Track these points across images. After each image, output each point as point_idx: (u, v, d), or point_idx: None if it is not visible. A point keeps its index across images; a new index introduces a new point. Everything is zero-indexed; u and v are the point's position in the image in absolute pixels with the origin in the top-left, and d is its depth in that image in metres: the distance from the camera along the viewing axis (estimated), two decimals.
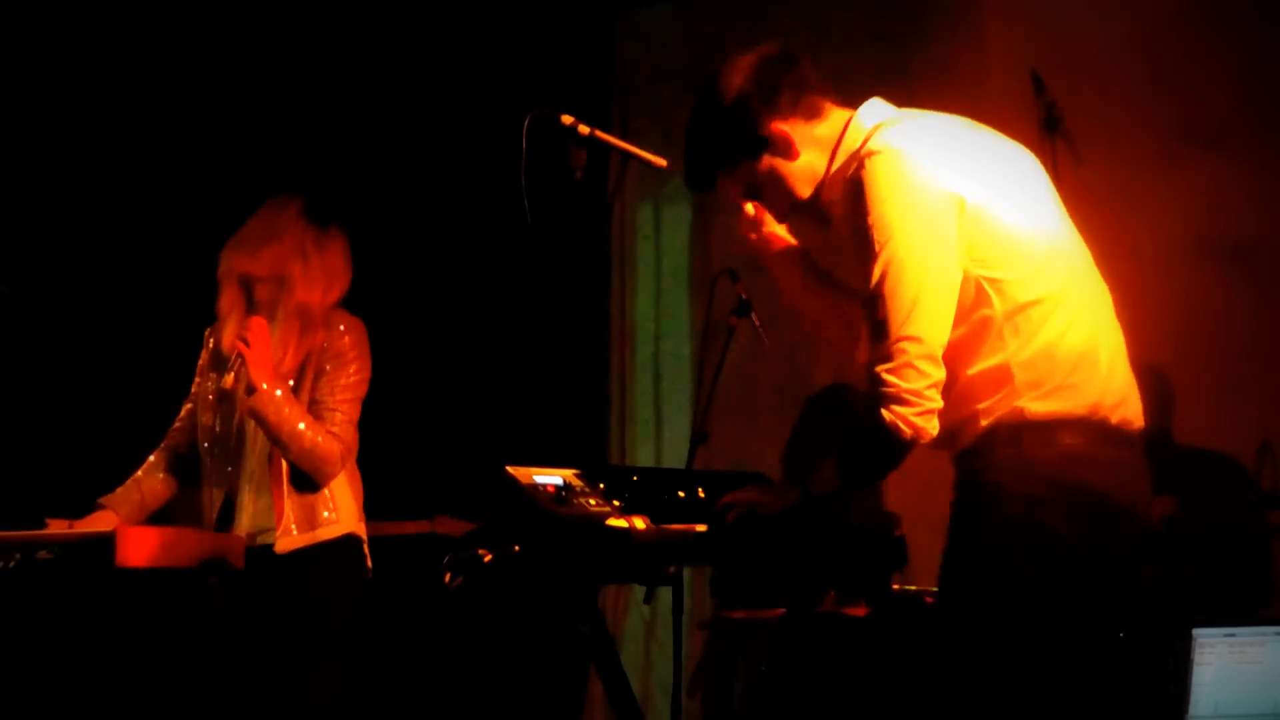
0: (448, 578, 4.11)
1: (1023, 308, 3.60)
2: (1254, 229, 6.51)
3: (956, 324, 3.59)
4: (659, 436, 8.46)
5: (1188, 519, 5.97)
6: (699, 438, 6.71)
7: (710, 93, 3.88)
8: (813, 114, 3.84)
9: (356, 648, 5.13)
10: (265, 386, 5.02)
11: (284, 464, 5.09)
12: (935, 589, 3.88)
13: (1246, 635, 5.23)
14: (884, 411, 3.54)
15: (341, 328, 5.18)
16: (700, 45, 8.30)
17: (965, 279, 3.58)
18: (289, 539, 5.07)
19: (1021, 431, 3.59)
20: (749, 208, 4.02)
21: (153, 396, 5.67)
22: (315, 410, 5.09)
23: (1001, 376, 3.61)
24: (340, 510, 5.14)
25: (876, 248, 3.56)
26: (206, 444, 5.25)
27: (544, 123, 4.44)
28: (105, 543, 4.66)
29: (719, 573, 7.09)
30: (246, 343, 5.05)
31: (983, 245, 3.58)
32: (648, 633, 8.14)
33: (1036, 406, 3.59)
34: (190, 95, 7.88)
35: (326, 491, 5.12)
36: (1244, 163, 6.50)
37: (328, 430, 5.06)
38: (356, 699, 5.19)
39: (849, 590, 5.71)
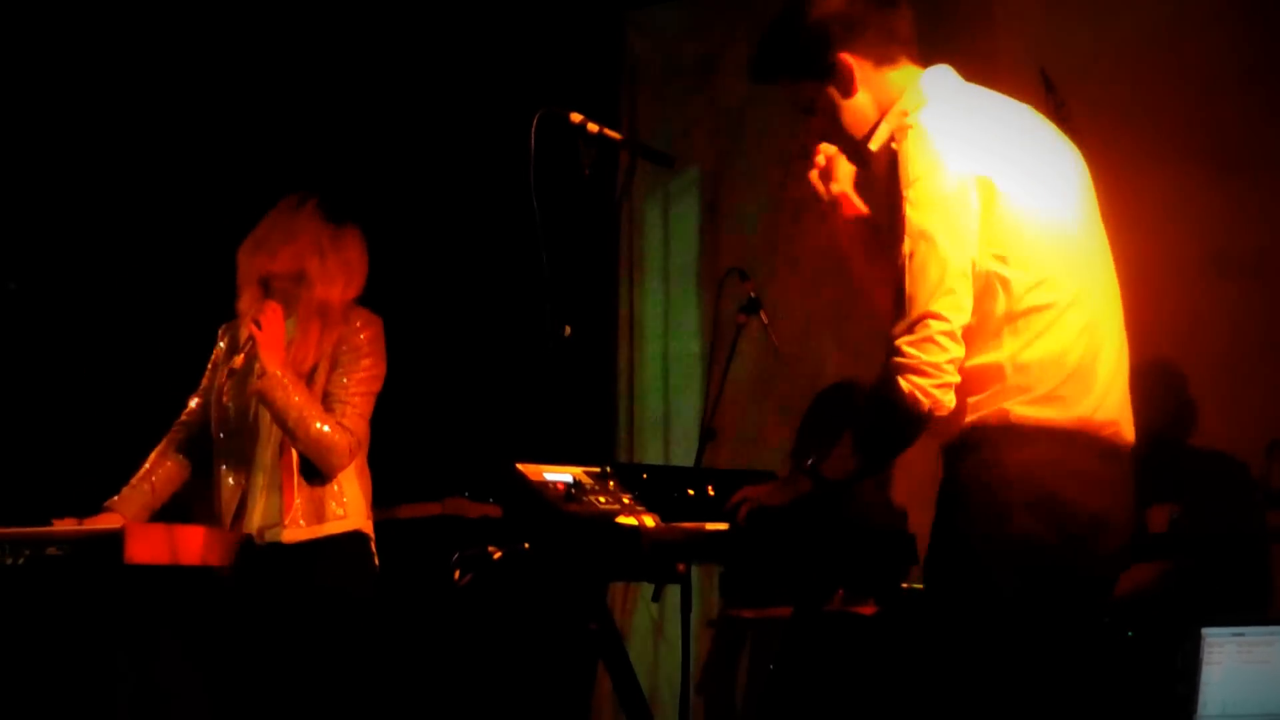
0: (457, 575, 4.12)
1: (1026, 312, 3.59)
2: (1262, 229, 6.50)
3: None
4: (668, 434, 8.47)
5: (1196, 520, 5.97)
6: (708, 435, 6.71)
7: (801, 1, 3.87)
8: (884, 60, 3.83)
9: (365, 644, 5.13)
10: (275, 371, 5.03)
11: (295, 455, 5.09)
12: None
13: (1255, 635, 5.23)
14: (902, 381, 3.54)
15: (359, 324, 5.19)
16: (709, 43, 8.31)
17: (976, 271, 3.58)
18: (296, 530, 5.08)
19: (1003, 434, 3.59)
20: (821, 158, 4.00)
21: (163, 394, 5.67)
22: (327, 403, 5.09)
23: (993, 375, 3.60)
24: (349, 505, 5.14)
25: (907, 223, 3.57)
26: (221, 435, 5.25)
27: (553, 120, 4.44)
28: (114, 539, 4.66)
29: (728, 571, 7.09)
30: (259, 325, 5.06)
31: (1000, 237, 3.58)
32: (656, 631, 8.14)
33: (1022, 410, 3.59)
34: (203, 94, 7.89)
35: (336, 486, 5.12)
36: (1253, 163, 6.50)
37: (337, 421, 5.06)
38: (364, 694, 5.18)
39: (858, 588, 5.71)
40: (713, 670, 7.15)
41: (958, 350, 3.56)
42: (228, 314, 5.38)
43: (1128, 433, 3.72)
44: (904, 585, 5.59)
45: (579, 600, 4.41)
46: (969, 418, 3.62)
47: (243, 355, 5.16)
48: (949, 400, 3.57)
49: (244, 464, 5.18)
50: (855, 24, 3.82)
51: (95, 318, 7.58)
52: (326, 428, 5.03)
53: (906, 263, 3.58)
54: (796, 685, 5.72)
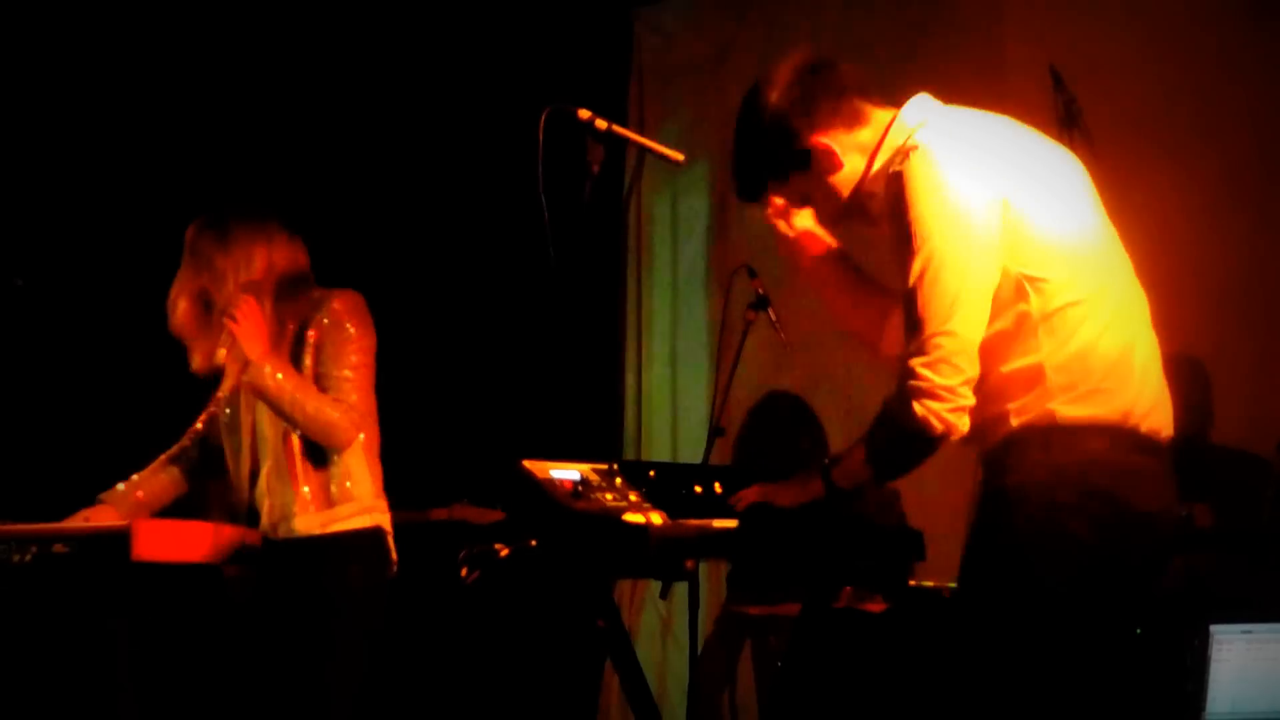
0: (464, 572, 4.11)
1: (1060, 309, 3.58)
2: (1276, 225, 6.50)
3: (993, 318, 3.58)
4: (675, 431, 8.47)
5: (1207, 517, 5.96)
6: (716, 432, 6.70)
7: (749, 110, 3.86)
8: (854, 121, 3.82)
9: (377, 641, 5.12)
10: (258, 359, 5.02)
11: (297, 442, 5.08)
12: (951, 584, 3.87)
13: (1264, 632, 5.23)
14: (916, 405, 3.53)
15: (336, 304, 5.15)
16: (717, 40, 8.31)
17: (1005, 275, 3.57)
18: (308, 518, 5.06)
19: (1050, 435, 3.58)
20: (777, 200, 4.00)
21: (171, 391, 5.67)
22: (320, 384, 5.07)
23: (1034, 377, 3.59)
24: (356, 489, 5.11)
25: (916, 244, 3.56)
26: (226, 439, 5.25)
27: (561, 117, 4.43)
28: (120, 536, 4.66)
29: (737, 568, 7.09)
30: (235, 319, 5.05)
31: (1023, 246, 3.57)
32: (664, 627, 8.14)
33: (1068, 410, 3.58)
34: (217, 92, 7.89)
35: (341, 471, 5.10)
36: (1266, 159, 6.49)
37: (333, 398, 5.04)
38: (374, 691, 5.18)
39: (866, 585, 5.70)
40: (719, 667, 7.14)
41: (972, 370, 3.55)
42: None
43: (1167, 425, 3.71)
44: (911, 583, 5.59)
45: (586, 598, 4.40)
46: (1015, 420, 3.61)
47: (224, 351, 5.15)
48: (963, 425, 3.56)
49: (252, 461, 5.17)
50: (807, 101, 3.80)
51: (102, 313, 7.58)
52: (323, 403, 5.01)
53: (918, 282, 3.57)
54: (804, 682, 5.71)
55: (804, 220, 4.04)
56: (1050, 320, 3.59)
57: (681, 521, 3.96)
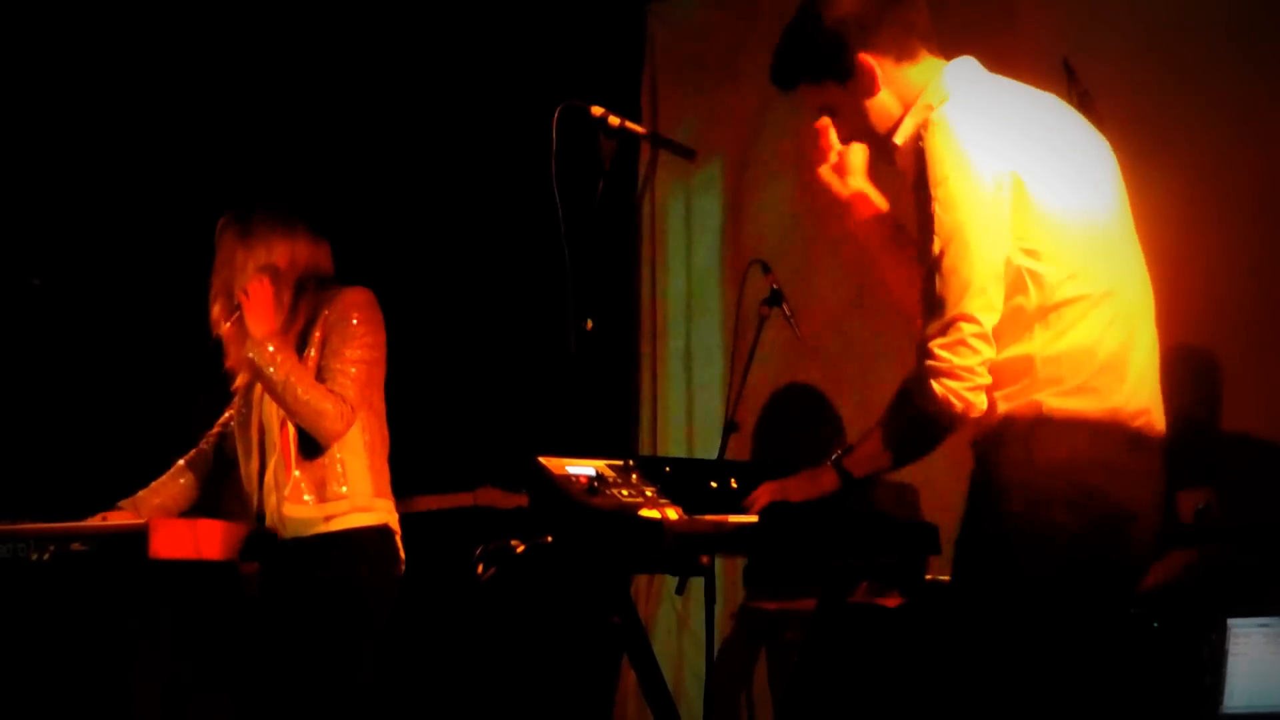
0: (480, 569, 4.12)
1: (1057, 305, 3.59)
2: None
3: None
4: (691, 427, 8.46)
5: (1224, 508, 5.94)
6: (731, 428, 6.70)
7: (814, 6, 3.86)
8: (904, 56, 3.82)
9: (385, 639, 5.13)
10: (260, 335, 5.03)
11: (291, 430, 5.09)
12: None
13: None
14: (935, 384, 3.54)
15: (347, 300, 5.16)
16: (731, 35, 8.29)
17: (1007, 264, 3.57)
18: (299, 507, 5.06)
19: (1034, 427, 3.59)
20: (832, 155, 3.98)
21: (187, 391, 5.68)
22: (320, 376, 5.08)
23: (1024, 367, 3.60)
24: (352, 487, 5.11)
25: (937, 222, 3.56)
26: (238, 434, 5.27)
27: (574, 114, 4.44)
28: (138, 535, 4.67)
29: (753, 563, 7.09)
30: (246, 294, 5.07)
31: (1030, 231, 3.57)
32: (680, 623, 8.14)
33: (1054, 403, 3.59)
34: (228, 90, 7.90)
35: (339, 466, 5.09)
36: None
37: (327, 387, 5.04)
38: (387, 687, 5.19)
39: (882, 580, 5.70)
40: (738, 663, 7.15)
41: (989, 352, 3.56)
42: None
43: (1159, 424, 3.71)
44: (928, 577, 5.59)
45: (602, 593, 4.41)
46: (1001, 409, 3.62)
47: (229, 324, 5.17)
48: (981, 403, 3.57)
49: (259, 458, 5.18)
50: (871, 23, 3.81)
51: (119, 313, 7.59)
52: (316, 391, 5.01)
53: (937, 262, 3.57)
54: (820, 677, 5.72)
55: (857, 181, 4.02)
56: (1046, 315, 3.60)
57: (697, 517, 3.97)
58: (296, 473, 5.08)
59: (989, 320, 3.56)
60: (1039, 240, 3.58)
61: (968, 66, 3.84)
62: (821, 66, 3.85)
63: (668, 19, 8.68)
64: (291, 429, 5.09)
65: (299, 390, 5.00)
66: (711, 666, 5.96)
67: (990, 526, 3.63)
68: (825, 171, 4.02)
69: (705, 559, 4.13)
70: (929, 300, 3.60)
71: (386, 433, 5.24)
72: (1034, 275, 3.58)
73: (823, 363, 7.50)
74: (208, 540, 4.79)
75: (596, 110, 4.45)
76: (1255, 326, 6.41)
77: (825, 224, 7.59)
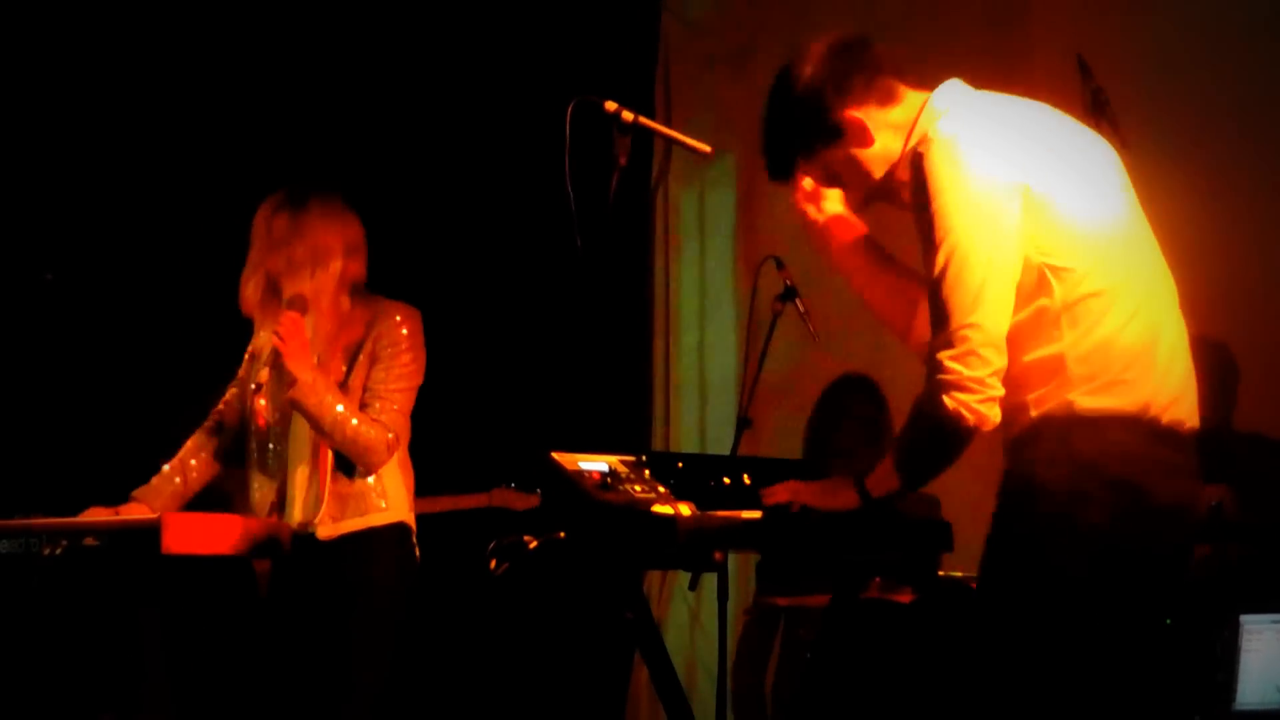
0: (493, 564, 4.12)
1: (1082, 299, 3.57)
2: None
3: (1016, 309, 3.57)
4: (703, 422, 8.47)
5: (1237, 505, 5.93)
6: (743, 424, 6.70)
7: (782, 83, 3.86)
8: (887, 98, 3.81)
9: (401, 635, 5.13)
10: (305, 377, 5.00)
11: (328, 452, 5.08)
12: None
13: None
14: (946, 398, 3.52)
15: (398, 318, 5.15)
16: (745, 31, 8.30)
17: (1027, 265, 3.56)
18: (329, 527, 5.07)
19: (1070, 426, 3.57)
20: (806, 183, 3.99)
21: (199, 383, 5.68)
22: (366, 398, 5.07)
23: (1055, 367, 3.59)
24: (391, 498, 5.13)
25: (940, 235, 3.55)
26: (257, 438, 5.24)
27: (588, 109, 4.43)
28: (151, 530, 4.67)
29: (766, 559, 7.09)
30: (281, 338, 5.02)
31: (1046, 234, 3.56)
32: (692, 619, 8.15)
33: (1087, 401, 3.57)
34: (244, 84, 7.91)
35: (374, 480, 5.10)
36: None
37: (374, 419, 5.03)
38: (401, 684, 5.19)
39: (895, 576, 5.69)
40: (749, 658, 7.15)
41: (1000, 361, 3.54)
42: None
43: (1191, 416, 3.69)
44: (941, 573, 5.59)
45: (615, 589, 4.41)
46: (1035, 411, 3.60)
47: (267, 370, 5.14)
48: (995, 415, 3.56)
49: (281, 464, 5.17)
50: (840, 77, 3.80)
51: (131, 307, 7.60)
52: (364, 426, 5.01)
53: (943, 274, 3.56)
54: (834, 673, 5.71)
55: (833, 205, 4.02)
56: (1072, 310, 3.58)
57: (710, 513, 3.96)
58: (329, 497, 5.08)
59: (998, 329, 3.54)
60: (1053, 242, 3.57)
61: (955, 88, 3.83)
62: (809, 135, 3.84)
63: (681, 15, 8.68)
64: (329, 452, 5.08)
65: (347, 429, 5.00)
66: (724, 662, 5.95)
67: (1023, 527, 3.61)
68: (800, 200, 4.03)
69: (718, 555, 4.12)
70: (936, 313, 3.58)
71: (409, 436, 5.25)
72: (1056, 272, 3.56)
73: (835, 359, 7.49)
74: (221, 535, 4.79)
75: (610, 106, 4.44)
76: (1272, 325, 6.41)
77: None
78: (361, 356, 5.12)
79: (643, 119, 4.47)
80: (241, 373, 5.36)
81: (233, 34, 7.90)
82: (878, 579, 5.76)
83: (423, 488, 5.35)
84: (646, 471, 4.12)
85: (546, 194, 4.82)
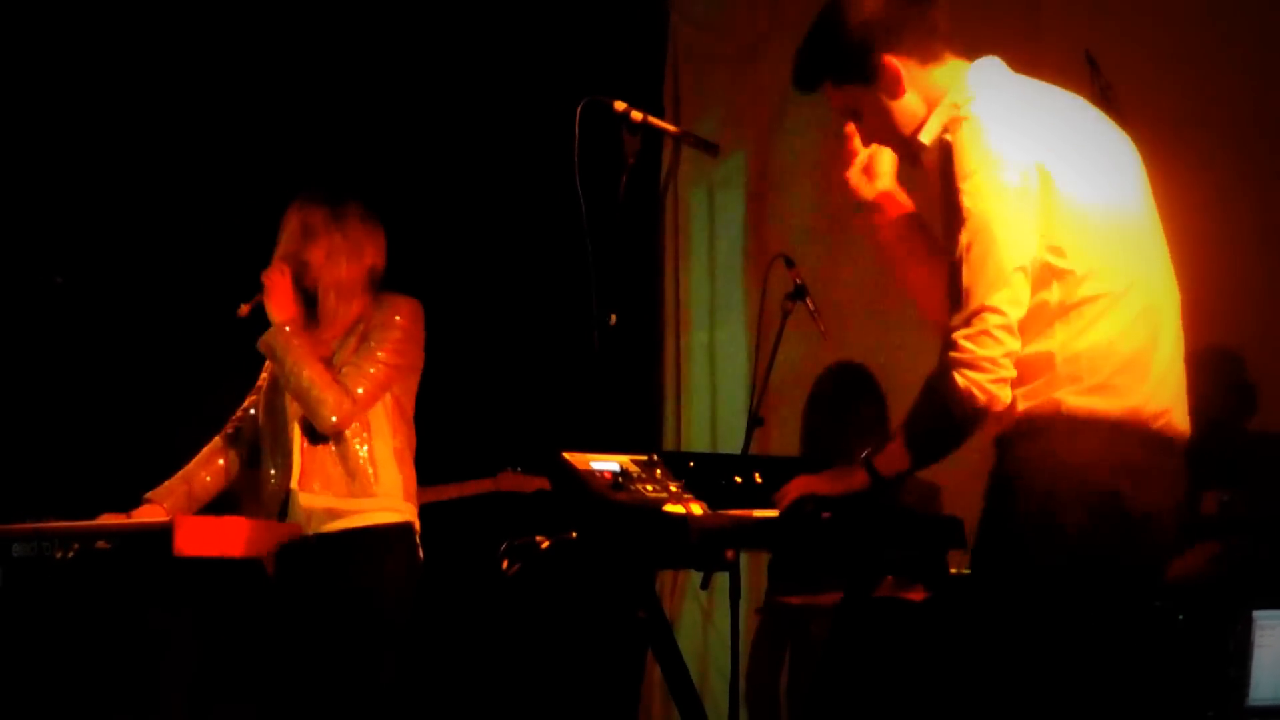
0: (505, 564, 4.12)
1: (1079, 303, 3.58)
2: None
3: None
4: (715, 422, 8.47)
5: (1248, 503, 5.93)
6: (755, 422, 6.70)
7: (838, 9, 3.85)
8: (928, 58, 3.81)
9: (407, 634, 5.14)
10: (278, 318, 5.07)
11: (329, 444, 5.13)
12: None
13: None
14: (957, 376, 3.53)
15: (393, 308, 5.20)
16: (753, 30, 8.29)
17: (1033, 262, 3.57)
18: (310, 496, 5.09)
19: (1053, 424, 3.59)
20: (862, 156, 3.98)
21: (212, 387, 5.69)
22: (345, 368, 5.10)
23: (1044, 364, 3.60)
24: (384, 488, 5.13)
25: (963, 216, 3.56)
26: (265, 431, 5.28)
27: (597, 109, 4.44)
28: (163, 532, 4.67)
29: (778, 558, 7.08)
30: (265, 283, 5.10)
31: (1055, 226, 3.57)
32: (705, 618, 8.14)
33: (1074, 401, 3.58)
34: (252, 87, 7.92)
35: (370, 467, 5.10)
36: None
37: (335, 378, 5.06)
38: (411, 682, 5.19)
39: (907, 574, 5.69)
40: (761, 657, 7.14)
41: (1014, 344, 3.55)
42: None
43: (1181, 423, 3.70)
44: (953, 571, 5.59)
45: (627, 589, 4.41)
46: (1021, 406, 3.61)
47: (248, 306, 5.19)
48: (1005, 395, 3.56)
49: (286, 456, 5.19)
50: (895, 25, 3.80)
51: (141, 311, 7.61)
52: (321, 379, 5.04)
53: (964, 255, 3.57)
54: (846, 671, 5.71)
55: (884, 182, 4.02)
56: (1068, 312, 3.59)
57: (722, 512, 3.97)
58: (304, 461, 5.11)
59: (1014, 313, 3.55)
60: (1063, 236, 3.58)
61: (992, 67, 3.84)
62: (846, 69, 3.84)
63: (690, 15, 8.68)
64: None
65: (304, 375, 5.03)
66: (737, 661, 5.95)
67: (1005, 524, 3.64)
68: (853, 174, 4.02)
69: (730, 554, 4.13)
70: (955, 293, 3.59)
71: (415, 439, 5.26)
72: (1057, 273, 3.57)
73: (846, 356, 7.48)
74: (233, 537, 4.80)
75: (619, 105, 4.45)
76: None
77: (849, 218, 7.60)
78: (353, 338, 5.16)
79: (652, 118, 4.48)
80: (261, 381, 5.39)
81: (243, 38, 7.91)
82: (890, 577, 5.76)
83: (432, 480, 5.36)
84: (658, 471, 4.12)
85: (556, 193, 4.83)
